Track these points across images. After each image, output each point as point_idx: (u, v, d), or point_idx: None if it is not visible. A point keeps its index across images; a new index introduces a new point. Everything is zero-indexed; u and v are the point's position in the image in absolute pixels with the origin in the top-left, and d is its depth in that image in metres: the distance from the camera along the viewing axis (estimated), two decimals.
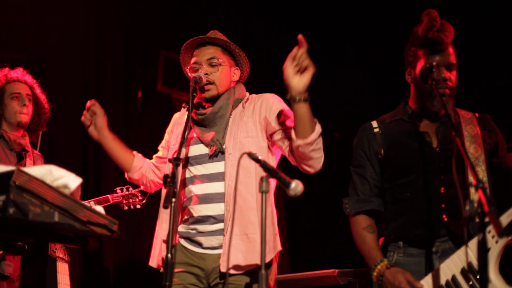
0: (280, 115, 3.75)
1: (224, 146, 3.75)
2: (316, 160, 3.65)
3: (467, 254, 3.12)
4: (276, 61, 7.44)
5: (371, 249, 3.50)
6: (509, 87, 6.11)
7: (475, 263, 3.08)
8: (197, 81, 3.71)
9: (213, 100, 3.84)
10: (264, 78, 4.48)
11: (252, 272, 3.65)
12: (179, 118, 4.04)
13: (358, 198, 3.65)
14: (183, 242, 3.80)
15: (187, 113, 3.64)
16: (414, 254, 3.43)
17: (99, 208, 2.47)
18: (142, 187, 4.21)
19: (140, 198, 5.00)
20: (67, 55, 6.25)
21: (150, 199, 4.88)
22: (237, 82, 4.01)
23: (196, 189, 3.77)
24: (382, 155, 3.61)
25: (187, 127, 3.54)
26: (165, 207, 3.10)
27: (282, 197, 5.56)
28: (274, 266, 3.77)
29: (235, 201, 3.64)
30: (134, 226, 6.09)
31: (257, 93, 3.97)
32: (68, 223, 2.27)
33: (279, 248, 3.75)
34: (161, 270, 3.79)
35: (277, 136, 3.74)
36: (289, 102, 3.48)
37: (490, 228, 2.95)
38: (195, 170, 3.80)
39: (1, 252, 4.36)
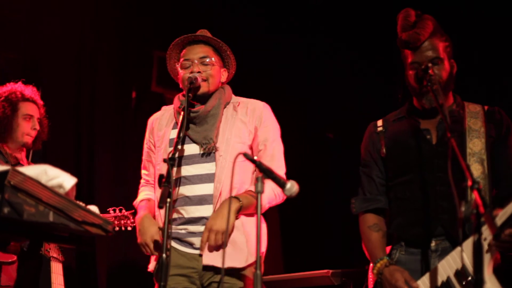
0: (265, 141, 3.84)
1: (216, 146, 3.75)
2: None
3: (461, 256, 3.12)
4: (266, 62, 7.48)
5: (374, 247, 3.53)
6: None
7: (469, 264, 3.08)
8: (192, 81, 3.70)
9: (203, 97, 3.83)
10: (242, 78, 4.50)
11: (245, 272, 3.66)
12: (160, 119, 4.00)
13: (365, 197, 3.68)
14: (172, 243, 3.75)
15: (182, 113, 3.62)
16: (415, 252, 3.44)
17: (94, 208, 2.46)
18: None
19: (132, 220, 4.99)
20: (62, 55, 6.25)
21: None
22: (223, 83, 4.01)
23: (187, 190, 3.74)
24: (385, 154, 3.62)
25: (183, 127, 3.54)
26: (161, 207, 3.10)
27: None
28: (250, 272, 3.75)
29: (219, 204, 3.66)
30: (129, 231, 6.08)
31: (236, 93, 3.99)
32: (63, 223, 2.26)
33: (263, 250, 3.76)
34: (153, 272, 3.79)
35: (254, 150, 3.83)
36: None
37: (484, 229, 2.94)
38: (185, 170, 3.77)
39: None
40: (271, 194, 3.74)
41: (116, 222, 5.02)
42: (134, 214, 4.70)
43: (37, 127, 4.94)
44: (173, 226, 3.75)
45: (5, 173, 2.08)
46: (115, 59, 6.69)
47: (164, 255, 3.02)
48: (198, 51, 3.87)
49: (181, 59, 3.88)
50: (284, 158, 3.92)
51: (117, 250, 6.27)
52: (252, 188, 3.65)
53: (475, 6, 6.12)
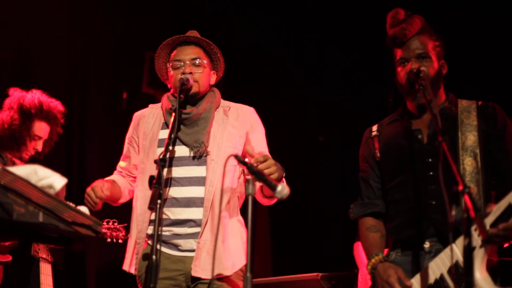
0: (257, 147, 3.85)
1: (207, 150, 3.74)
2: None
3: (454, 252, 3.12)
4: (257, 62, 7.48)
5: (370, 245, 3.56)
6: None
7: (461, 262, 3.08)
8: (184, 82, 3.69)
9: (193, 99, 3.83)
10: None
11: (234, 276, 3.66)
12: (147, 117, 3.98)
13: (362, 202, 3.70)
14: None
15: (173, 114, 3.61)
16: (409, 254, 3.44)
17: (84, 209, 2.45)
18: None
19: (124, 233, 4.98)
20: (53, 55, 6.23)
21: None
22: (211, 86, 4.00)
23: (175, 191, 3.73)
24: (379, 158, 3.64)
25: (174, 129, 3.53)
26: (151, 208, 3.08)
27: None
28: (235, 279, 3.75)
29: (213, 207, 3.64)
30: None
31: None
32: (53, 223, 2.25)
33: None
34: (134, 273, 3.77)
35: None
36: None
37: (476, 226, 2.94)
38: (175, 172, 3.76)
39: None
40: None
41: (108, 233, 5.02)
42: (127, 228, 4.70)
43: (39, 148, 4.95)
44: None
45: None
46: (106, 60, 6.68)
47: (154, 256, 3.01)
48: (189, 52, 3.86)
49: (172, 60, 3.87)
50: None
51: (106, 251, 6.24)
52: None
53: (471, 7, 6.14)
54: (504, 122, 3.49)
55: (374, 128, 3.75)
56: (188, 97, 3.79)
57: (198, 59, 3.84)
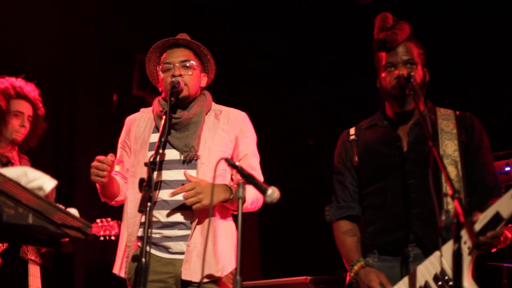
0: (246, 151, 3.87)
1: (198, 154, 3.74)
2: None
3: (441, 260, 3.14)
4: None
5: (349, 251, 3.55)
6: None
7: (447, 269, 3.10)
8: (175, 85, 3.69)
9: (184, 102, 3.83)
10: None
11: (224, 279, 3.66)
12: (138, 121, 3.98)
13: (339, 204, 3.69)
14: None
15: (164, 117, 3.61)
16: (387, 259, 3.46)
17: (74, 211, 2.45)
18: (116, 204, 4.10)
19: (117, 230, 4.97)
20: (42, 56, 6.22)
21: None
22: (202, 88, 4.00)
23: (166, 194, 3.72)
24: (357, 162, 3.64)
25: (164, 132, 3.53)
26: (141, 211, 3.08)
27: None
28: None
29: (203, 210, 3.64)
30: None
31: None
32: (42, 225, 2.24)
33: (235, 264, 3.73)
34: (123, 276, 3.76)
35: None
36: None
37: (464, 233, 2.95)
38: (165, 175, 3.76)
39: None
40: (254, 196, 3.74)
41: (102, 231, 5.00)
42: (120, 225, 4.69)
43: (26, 124, 4.92)
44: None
45: None
46: (97, 62, 6.66)
47: (143, 259, 3.01)
48: (179, 55, 3.86)
49: (162, 63, 3.87)
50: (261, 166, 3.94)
51: (94, 253, 6.23)
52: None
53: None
54: (481, 134, 3.55)
55: (352, 131, 3.76)
56: (178, 101, 3.78)
57: (188, 62, 3.84)
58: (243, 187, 2.82)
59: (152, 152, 3.53)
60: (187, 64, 3.83)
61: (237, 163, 2.98)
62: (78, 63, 6.52)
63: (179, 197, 3.67)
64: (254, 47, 7.53)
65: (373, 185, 3.57)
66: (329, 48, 7.55)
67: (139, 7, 6.92)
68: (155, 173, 3.56)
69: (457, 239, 2.56)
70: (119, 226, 4.92)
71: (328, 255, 3.75)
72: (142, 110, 4.07)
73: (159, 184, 3.74)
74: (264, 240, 7.67)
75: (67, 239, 2.48)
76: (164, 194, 3.72)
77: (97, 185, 3.79)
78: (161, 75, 3.86)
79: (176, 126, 3.78)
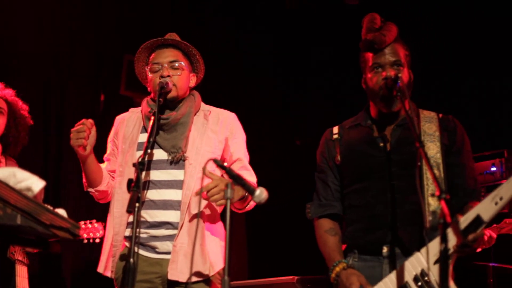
0: (237, 153, 3.87)
1: (185, 155, 3.75)
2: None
3: (419, 261, 3.16)
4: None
5: (331, 251, 3.55)
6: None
7: (428, 270, 3.12)
8: (163, 86, 3.69)
9: (172, 102, 3.83)
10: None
11: (211, 279, 3.67)
12: (127, 121, 3.98)
13: (320, 203, 3.70)
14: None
15: (152, 118, 3.61)
16: (367, 259, 3.48)
17: (62, 212, 2.45)
18: (101, 200, 4.10)
19: (102, 232, 4.97)
20: (30, 56, 6.19)
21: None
22: (191, 88, 4.00)
23: (153, 194, 3.73)
24: (340, 161, 3.66)
25: (153, 133, 3.53)
26: (129, 211, 3.09)
27: None
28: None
29: (190, 210, 3.66)
30: None
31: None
32: (31, 226, 2.24)
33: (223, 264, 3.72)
34: (110, 275, 3.76)
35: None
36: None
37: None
38: (153, 175, 3.76)
39: None
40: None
41: (85, 234, 4.99)
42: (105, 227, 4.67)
43: (2, 122, 4.88)
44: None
45: None
46: (85, 62, 6.65)
47: (131, 259, 3.01)
48: (167, 55, 3.86)
49: (150, 63, 3.87)
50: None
51: (81, 253, 6.22)
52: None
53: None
54: (463, 137, 3.58)
55: (335, 130, 3.77)
56: (167, 101, 3.78)
57: (176, 62, 3.84)
58: (231, 188, 2.83)
59: (140, 152, 3.53)
60: (176, 65, 3.83)
61: (225, 164, 2.99)
62: (66, 63, 6.51)
63: (167, 197, 3.68)
64: (242, 47, 7.54)
65: (354, 185, 3.58)
66: (317, 48, 7.57)
67: (128, 6, 6.91)
68: (143, 173, 3.57)
69: (444, 239, 2.57)
70: (104, 227, 4.92)
71: (315, 255, 3.76)
72: (131, 110, 4.07)
73: (147, 184, 3.74)
74: (252, 240, 7.68)
75: (55, 239, 2.48)
76: (151, 194, 3.72)
77: (80, 162, 3.82)
78: (150, 75, 3.86)
79: (164, 127, 3.78)
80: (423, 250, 3.14)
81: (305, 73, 7.74)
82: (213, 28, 7.46)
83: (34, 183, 2.30)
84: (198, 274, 3.62)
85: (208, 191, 3.42)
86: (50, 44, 6.41)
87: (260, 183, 3.12)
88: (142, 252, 3.71)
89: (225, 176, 3.16)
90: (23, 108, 5.02)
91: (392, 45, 3.52)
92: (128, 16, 6.90)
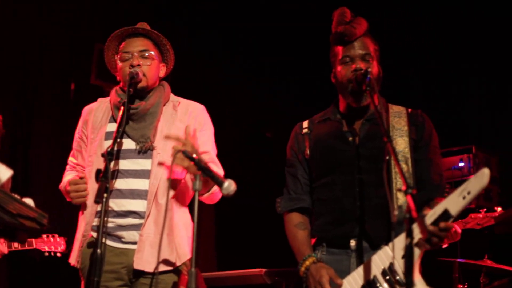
0: (205, 145, 3.83)
1: (153, 145, 3.74)
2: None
3: (387, 254, 3.18)
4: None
5: (301, 244, 3.55)
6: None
7: (396, 264, 3.14)
8: (133, 76, 3.67)
9: (142, 92, 3.81)
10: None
11: (179, 270, 3.66)
12: (96, 111, 3.94)
13: (290, 196, 3.70)
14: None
15: (122, 108, 3.59)
16: (335, 252, 3.48)
17: (29, 201, 2.44)
18: None
19: (63, 247, 4.95)
20: (1, 44, 6.14)
21: None
22: (161, 78, 3.99)
23: (120, 183, 3.70)
24: (309, 155, 3.66)
25: (122, 123, 3.51)
26: (97, 202, 3.08)
27: None
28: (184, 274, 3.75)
29: (157, 200, 3.65)
30: (65, 222, 6.00)
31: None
32: None
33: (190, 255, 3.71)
34: (77, 266, 3.74)
35: None
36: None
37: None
38: (121, 164, 3.73)
39: None
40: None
41: (47, 247, 4.97)
42: (68, 242, 4.65)
43: None
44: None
45: None
46: (55, 50, 6.61)
47: (98, 250, 3.00)
48: (138, 44, 3.83)
49: (120, 52, 3.85)
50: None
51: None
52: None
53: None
54: (431, 132, 3.59)
55: (305, 124, 3.77)
56: (136, 91, 3.76)
57: (147, 51, 3.82)
58: (200, 179, 2.83)
59: (108, 142, 3.52)
60: (146, 54, 3.81)
61: (194, 155, 2.99)
62: (36, 51, 6.46)
63: (134, 186, 3.66)
64: (213, 41, 7.53)
65: (323, 179, 3.59)
66: (287, 41, 7.58)
67: None
68: (112, 163, 3.55)
69: (410, 234, 2.60)
70: (66, 242, 4.91)
71: (283, 248, 3.78)
72: (99, 100, 4.05)
73: (115, 174, 3.71)
74: (220, 232, 7.69)
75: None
76: (118, 184, 3.70)
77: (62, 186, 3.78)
78: (120, 64, 3.83)
79: (133, 117, 3.76)
80: (392, 244, 3.16)
81: (276, 65, 7.75)
82: (184, 20, 7.44)
83: (1, 172, 2.29)
84: (164, 264, 3.60)
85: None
86: (21, 31, 6.35)
87: (229, 176, 3.12)
88: (108, 242, 3.67)
89: (193, 167, 3.15)
90: None
91: (362, 38, 3.53)
92: (99, 4, 6.85)
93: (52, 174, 4.76)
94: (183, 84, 4.18)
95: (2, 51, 6.14)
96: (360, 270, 3.25)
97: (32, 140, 6.28)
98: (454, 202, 3.02)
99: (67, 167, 4.02)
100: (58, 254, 4.95)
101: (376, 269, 3.20)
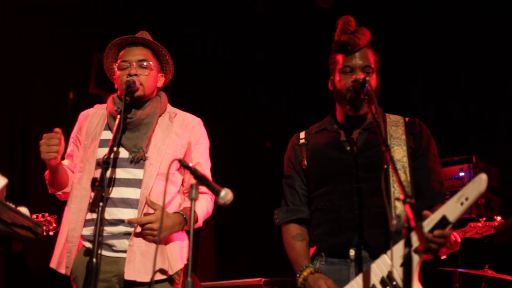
0: (199, 158, 3.87)
1: (146, 155, 3.72)
2: None
3: (385, 263, 3.17)
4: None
5: (299, 256, 3.54)
6: None
7: (394, 273, 3.13)
8: (130, 85, 3.66)
9: (138, 101, 3.80)
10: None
11: (172, 279, 3.65)
12: (91, 117, 3.94)
13: (288, 208, 3.70)
14: (89, 245, 3.67)
15: (118, 116, 3.58)
16: (334, 262, 3.48)
17: (24, 210, 2.42)
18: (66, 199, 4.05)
19: (55, 225, 4.92)
20: None
21: None
22: (159, 89, 3.98)
23: (112, 192, 3.69)
24: (306, 166, 3.66)
25: (118, 131, 3.50)
26: (92, 211, 3.06)
27: None
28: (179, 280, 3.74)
29: (148, 209, 3.62)
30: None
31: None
32: None
33: (185, 261, 3.73)
34: (64, 272, 3.71)
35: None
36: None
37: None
38: (113, 173, 3.72)
39: None
40: (205, 210, 3.77)
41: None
42: (58, 219, 4.60)
43: None
44: (91, 228, 3.68)
45: None
46: (54, 58, 6.59)
47: (94, 259, 2.98)
48: (136, 53, 3.83)
49: (119, 60, 3.84)
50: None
51: (46, 251, 6.16)
52: (187, 204, 3.73)
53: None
54: (428, 140, 3.60)
55: (302, 135, 3.78)
56: (133, 100, 3.75)
57: (145, 61, 3.81)
58: (196, 188, 2.81)
59: (102, 149, 3.54)
60: (144, 64, 3.80)
61: (190, 164, 2.97)
62: (35, 60, 6.44)
63: (125, 195, 3.65)
64: (211, 49, 7.54)
65: (321, 188, 3.59)
66: (288, 50, 7.58)
67: (98, 4, 6.87)
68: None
69: (408, 244, 2.58)
70: (56, 220, 4.87)
71: (282, 258, 3.76)
72: (96, 106, 4.04)
73: (108, 182, 3.69)
74: (220, 242, 7.68)
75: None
76: (110, 192, 3.68)
77: (47, 170, 3.75)
78: (118, 72, 3.83)
79: (128, 126, 3.75)
80: (390, 252, 3.14)
81: (275, 75, 7.75)
82: (184, 29, 7.44)
83: None
84: (156, 274, 3.59)
85: (142, 225, 3.53)
86: (18, 40, 6.34)
87: (227, 185, 3.10)
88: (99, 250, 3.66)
89: (190, 176, 3.13)
90: None
91: (364, 49, 3.53)
92: (98, 13, 6.85)
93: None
94: (181, 93, 4.16)
95: (0, 59, 6.13)
96: (358, 279, 3.24)
97: (30, 150, 6.26)
98: (452, 209, 3.01)
99: None
100: (51, 233, 4.92)
101: (375, 278, 3.18)
